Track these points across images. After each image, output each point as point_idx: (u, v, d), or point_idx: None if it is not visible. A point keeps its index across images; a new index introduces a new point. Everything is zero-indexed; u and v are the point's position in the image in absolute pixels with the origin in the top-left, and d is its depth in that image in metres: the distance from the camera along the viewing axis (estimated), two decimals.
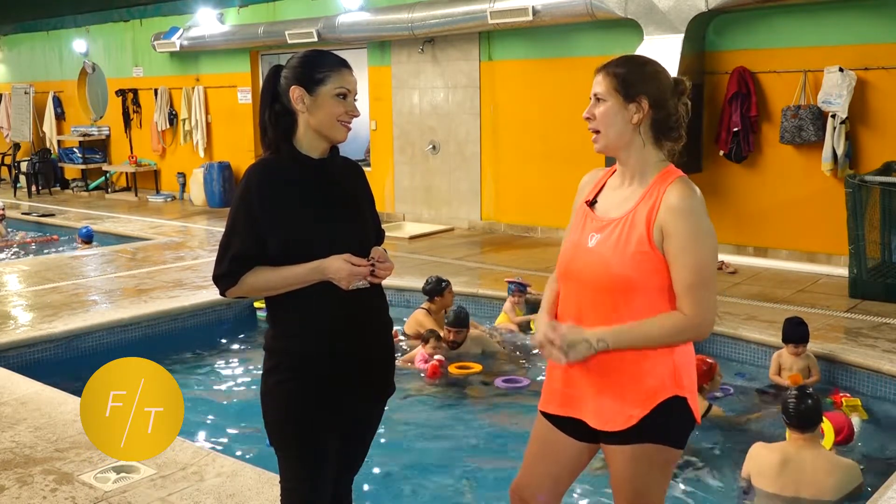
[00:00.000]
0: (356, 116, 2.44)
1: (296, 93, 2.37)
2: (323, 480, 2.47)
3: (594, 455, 2.47)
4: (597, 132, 2.30)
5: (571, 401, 2.36)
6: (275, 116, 2.42)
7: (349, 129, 2.44)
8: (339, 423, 2.46)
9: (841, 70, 7.62)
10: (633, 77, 2.25)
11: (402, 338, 6.32)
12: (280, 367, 2.43)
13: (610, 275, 2.23)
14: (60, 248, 10.37)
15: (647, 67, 2.28)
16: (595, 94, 2.29)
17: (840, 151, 7.71)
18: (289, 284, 2.35)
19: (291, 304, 2.39)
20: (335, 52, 2.50)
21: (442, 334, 5.96)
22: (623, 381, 2.25)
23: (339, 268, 2.32)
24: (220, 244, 2.40)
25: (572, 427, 2.39)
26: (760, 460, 3.92)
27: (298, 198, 2.37)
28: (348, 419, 2.49)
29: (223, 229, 2.43)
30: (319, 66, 2.39)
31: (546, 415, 2.45)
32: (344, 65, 2.42)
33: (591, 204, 2.38)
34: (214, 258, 2.42)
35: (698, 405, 2.34)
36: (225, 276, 2.37)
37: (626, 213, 2.27)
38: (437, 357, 5.71)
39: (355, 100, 2.45)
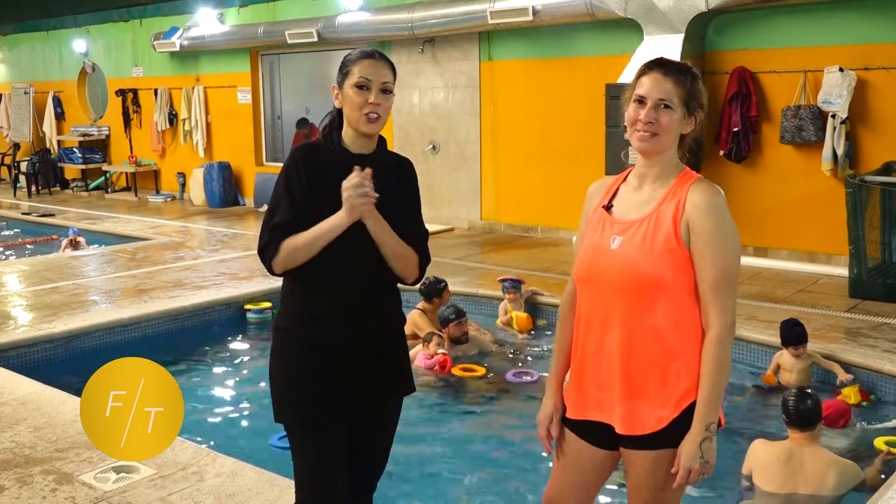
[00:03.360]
0: (377, 106, 2.43)
1: (334, 91, 2.50)
2: (332, 463, 2.48)
3: (617, 461, 2.43)
4: (654, 134, 2.25)
5: (603, 405, 2.33)
6: (331, 117, 2.54)
7: (375, 122, 2.44)
8: (345, 407, 2.47)
9: (841, 70, 7.63)
10: (696, 91, 2.27)
11: None
12: (285, 347, 2.49)
13: (637, 274, 2.22)
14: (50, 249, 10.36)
15: (700, 80, 2.31)
16: (660, 100, 2.23)
17: (840, 151, 7.71)
18: (320, 235, 2.38)
19: (304, 284, 2.45)
20: (371, 49, 2.53)
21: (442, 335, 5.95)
22: (654, 384, 2.24)
23: (345, 197, 2.36)
24: (264, 220, 2.46)
25: (595, 434, 2.37)
26: (761, 457, 3.96)
27: (327, 184, 2.41)
28: (356, 406, 2.50)
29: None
30: (347, 61, 2.48)
31: (572, 423, 2.42)
32: (367, 56, 2.46)
33: (608, 208, 2.36)
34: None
35: (721, 410, 2.32)
36: (268, 244, 2.41)
37: (648, 213, 2.26)
38: (441, 351, 5.71)
39: (384, 91, 2.44)
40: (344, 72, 2.47)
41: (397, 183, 2.54)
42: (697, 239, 2.19)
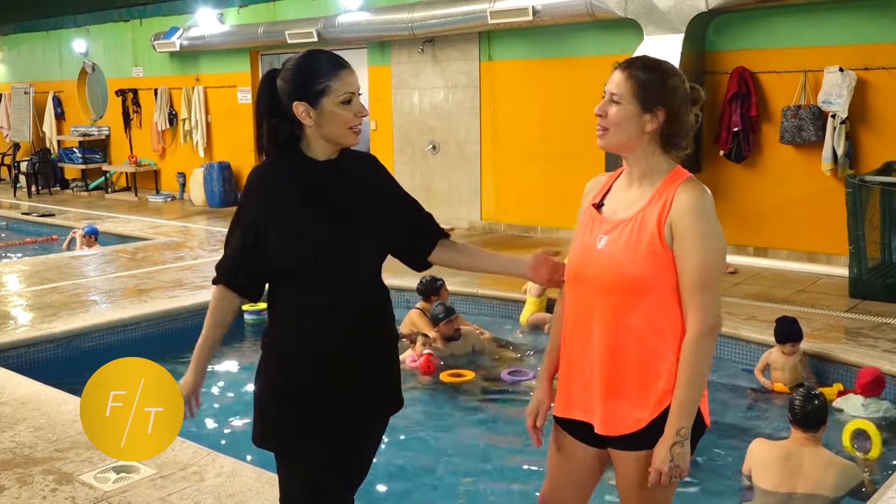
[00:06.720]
0: (365, 116, 2.33)
1: (299, 108, 2.26)
2: (324, 486, 2.41)
3: (608, 460, 2.43)
4: (605, 129, 2.26)
5: (585, 404, 2.34)
6: (274, 127, 2.30)
7: (360, 132, 2.36)
8: (336, 427, 2.38)
9: (841, 70, 7.62)
10: (655, 86, 2.21)
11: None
12: (276, 367, 2.39)
13: (621, 275, 2.22)
14: (61, 248, 10.35)
15: (672, 80, 2.23)
16: (611, 94, 2.24)
17: (840, 151, 7.71)
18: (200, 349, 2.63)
19: (296, 303, 2.33)
20: (329, 52, 2.35)
21: (432, 335, 5.96)
22: (634, 385, 2.24)
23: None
24: (229, 239, 2.39)
25: (584, 432, 2.37)
26: (760, 455, 3.99)
27: (298, 200, 2.28)
28: (347, 425, 2.41)
29: (223, 229, 2.44)
30: (316, 75, 2.26)
31: (560, 420, 2.43)
32: (341, 67, 2.28)
33: (599, 207, 2.36)
34: (215, 258, 2.43)
35: (707, 410, 2.33)
36: (229, 272, 2.42)
37: (635, 213, 2.25)
38: (426, 351, 5.72)
39: (359, 95, 2.34)
40: (318, 89, 2.24)
41: (374, 176, 2.50)
42: (680, 241, 2.18)
